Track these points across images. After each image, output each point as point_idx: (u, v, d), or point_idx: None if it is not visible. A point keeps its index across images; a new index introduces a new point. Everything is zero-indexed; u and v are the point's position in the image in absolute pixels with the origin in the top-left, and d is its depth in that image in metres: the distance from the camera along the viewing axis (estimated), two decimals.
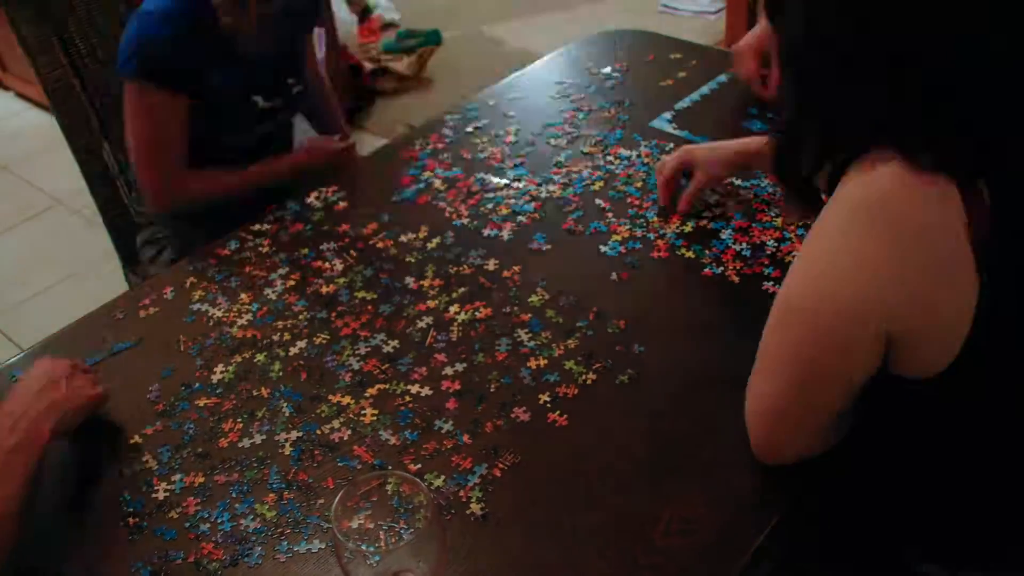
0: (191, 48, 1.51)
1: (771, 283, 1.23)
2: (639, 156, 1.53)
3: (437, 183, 1.51)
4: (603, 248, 1.33)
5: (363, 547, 0.84)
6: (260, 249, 1.40)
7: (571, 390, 1.11)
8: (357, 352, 1.19)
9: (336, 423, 1.09)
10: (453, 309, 1.24)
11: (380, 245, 1.38)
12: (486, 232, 1.39)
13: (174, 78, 1.53)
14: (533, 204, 1.44)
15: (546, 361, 1.15)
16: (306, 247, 1.40)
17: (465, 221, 1.41)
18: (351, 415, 1.10)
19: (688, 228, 1.35)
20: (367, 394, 1.13)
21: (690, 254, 1.30)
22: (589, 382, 1.12)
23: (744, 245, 1.31)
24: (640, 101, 1.69)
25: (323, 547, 0.95)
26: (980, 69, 0.77)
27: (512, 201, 1.45)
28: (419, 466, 1.03)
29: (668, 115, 1.64)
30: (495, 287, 1.28)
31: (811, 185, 0.92)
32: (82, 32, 1.68)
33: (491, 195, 1.47)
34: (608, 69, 1.81)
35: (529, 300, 1.25)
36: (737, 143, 1.35)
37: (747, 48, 1.62)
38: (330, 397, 1.13)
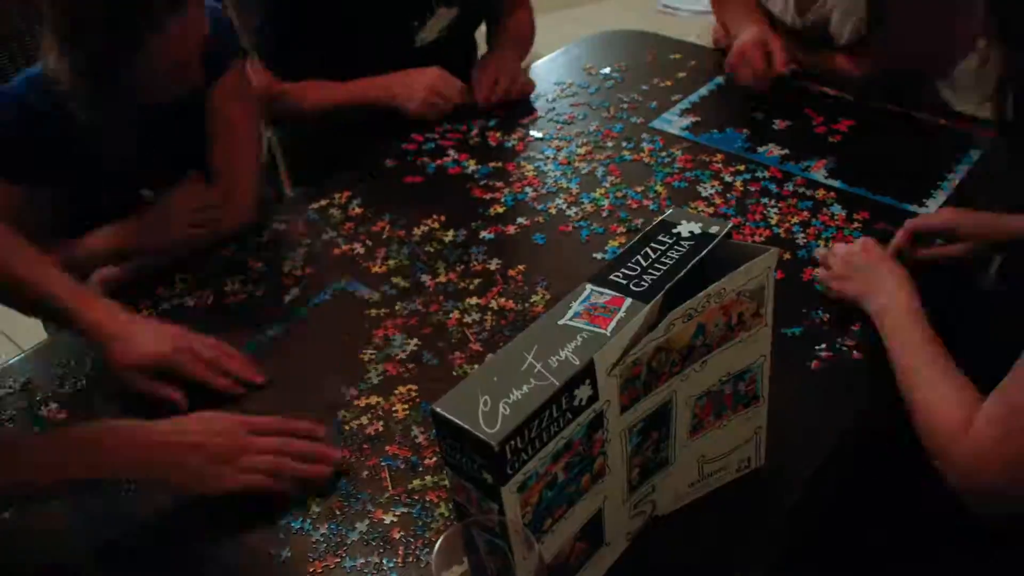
0: (41, 136, 1.28)
1: None
2: (640, 157, 1.53)
3: (437, 182, 1.51)
4: (604, 249, 1.33)
5: None
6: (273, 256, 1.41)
7: None
8: (385, 352, 1.18)
9: (365, 419, 1.09)
10: (459, 308, 1.24)
11: (384, 237, 1.39)
12: (487, 234, 1.39)
13: (10, 168, 1.30)
14: (534, 205, 1.44)
15: None
16: (307, 249, 1.40)
17: (466, 222, 1.42)
18: (380, 412, 1.10)
19: None
20: (396, 391, 1.12)
21: None
22: None
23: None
24: (640, 102, 1.69)
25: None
26: None
27: (513, 202, 1.45)
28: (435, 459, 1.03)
29: (668, 115, 1.64)
30: (503, 287, 1.28)
31: None
32: None
33: (491, 196, 1.47)
34: (608, 69, 1.81)
35: (531, 300, 1.25)
36: (1003, 219, 1.20)
37: (753, 46, 1.62)
38: (359, 397, 1.12)
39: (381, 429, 1.07)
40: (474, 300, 1.25)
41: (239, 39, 1.43)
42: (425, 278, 1.30)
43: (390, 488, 1.00)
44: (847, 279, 1.16)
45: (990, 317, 1.15)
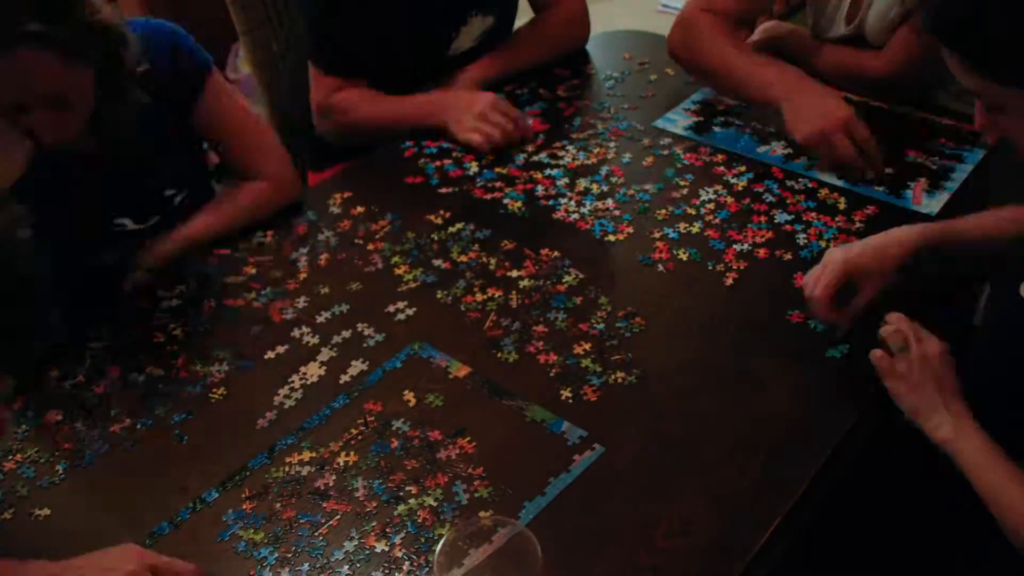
0: None
1: (772, 283, 1.24)
2: (642, 157, 1.53)
3: (439, 182, 1.51)
4: (605, 249, 1.33)
5: None
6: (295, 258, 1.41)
7: (569, 391, 1.11)
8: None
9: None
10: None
11: (382, 237, 1.39)
12: (486, 236, 1.38)
13: None
14: (536, 205, 1.44)
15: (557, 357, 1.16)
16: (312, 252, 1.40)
17: (466, 224, 1.41)
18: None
19: (695, 229, 1.35)
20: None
21: (691, 255, 1.30)
22: (592, 382, 1.12)
23: (745, 245, 1.31)
24: (641, 101, 1.69)
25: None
26: None
27: (515, 203, 1.45)
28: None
29: (670, 115, 1.64)
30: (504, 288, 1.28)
31: None
32: None
33: (491, 196, 1.47)
34: (609, 69, 1.81)
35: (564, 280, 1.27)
36: (894, 239, 1.13)
37: (841, 127, 1.39)
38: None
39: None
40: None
41: (203, 53, 1.39)
42: (439, 262, 1.33)
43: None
44: (916, 388, 1.02)
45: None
